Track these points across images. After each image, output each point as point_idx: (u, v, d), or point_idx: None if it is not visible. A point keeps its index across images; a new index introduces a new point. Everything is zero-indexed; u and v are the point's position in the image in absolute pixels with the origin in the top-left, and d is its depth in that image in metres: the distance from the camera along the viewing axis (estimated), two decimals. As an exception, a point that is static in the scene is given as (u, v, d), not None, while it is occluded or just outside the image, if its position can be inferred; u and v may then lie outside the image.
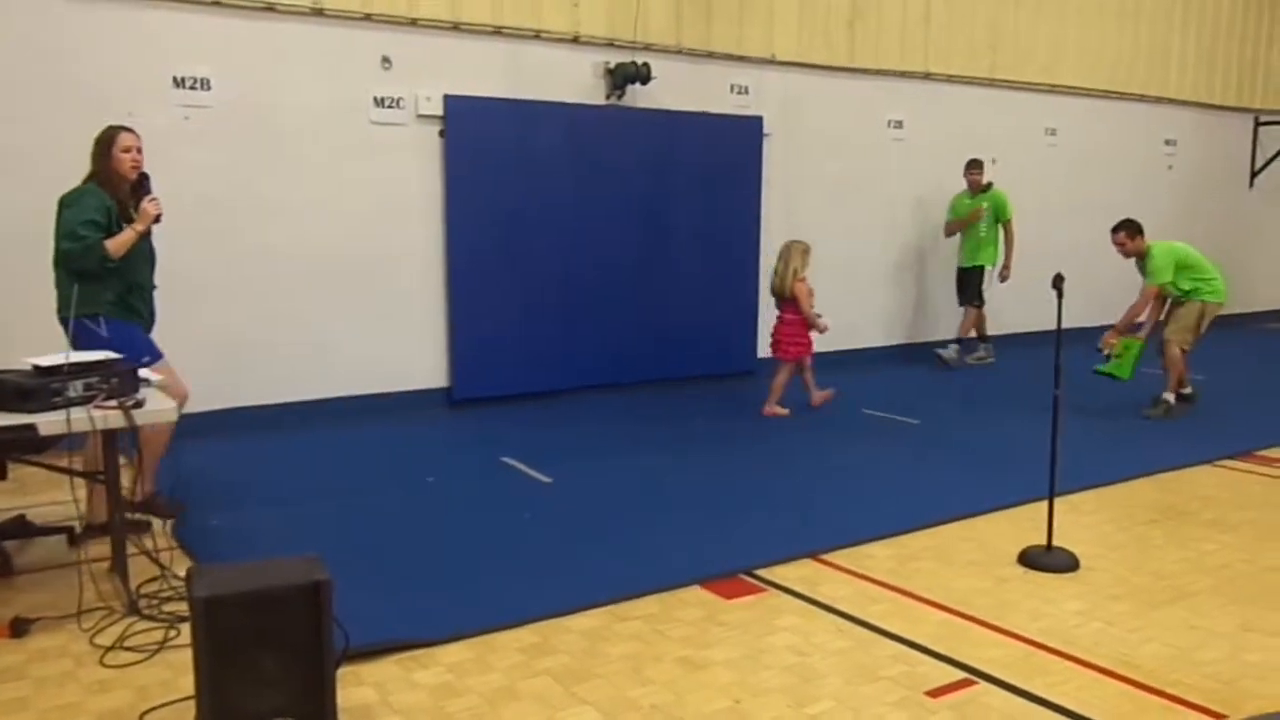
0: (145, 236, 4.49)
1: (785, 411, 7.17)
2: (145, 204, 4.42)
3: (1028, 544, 4.45)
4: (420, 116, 6.94)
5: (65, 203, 4.37)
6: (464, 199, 7.11)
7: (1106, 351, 7.16)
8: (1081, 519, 4.88)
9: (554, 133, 7.41)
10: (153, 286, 4.68)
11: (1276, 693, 3.22)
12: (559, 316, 7.57)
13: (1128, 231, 7.18)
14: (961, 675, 3.32)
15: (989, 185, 9.23)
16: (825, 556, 4.40)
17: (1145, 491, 5.52)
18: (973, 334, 9.56)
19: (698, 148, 8.10)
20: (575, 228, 7.57)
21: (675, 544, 4.53)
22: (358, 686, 3.17)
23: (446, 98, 6.96)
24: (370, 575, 4.03)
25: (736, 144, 8.34)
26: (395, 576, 4.11)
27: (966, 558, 4.44)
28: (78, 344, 4.08)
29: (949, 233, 9.46)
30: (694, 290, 8.21)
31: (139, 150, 4.50)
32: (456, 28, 7.00)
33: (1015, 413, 7.26)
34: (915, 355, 9.61)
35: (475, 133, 7.10)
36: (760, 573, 4.19)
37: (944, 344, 9.53)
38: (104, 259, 4.31)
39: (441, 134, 7.02)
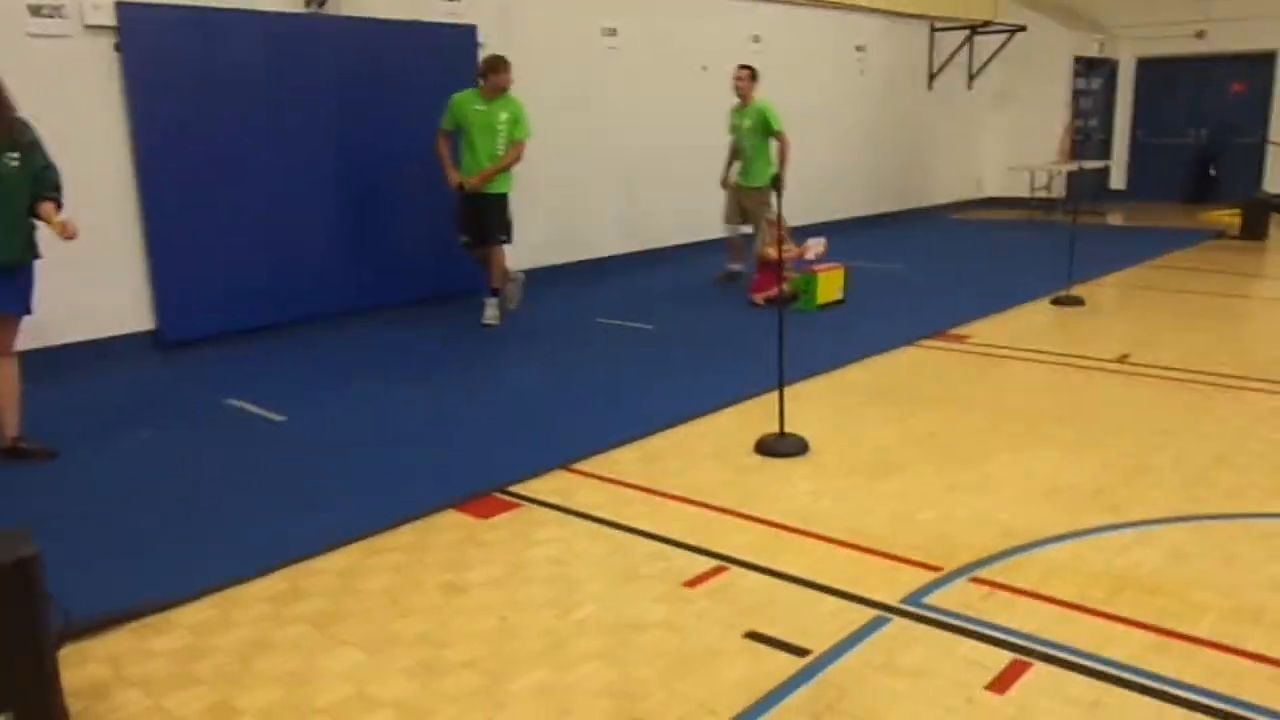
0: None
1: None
2: None
3: (761, 433, 4.71)
4: (89, 27, 6.12)
5: None
6: (152, 121, 6.38)
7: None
8: (806, 405, 5.20)
9: (250, 45, 6.78)
10: (29, 213, 4.42)
11: (981, 542, 3.63)
12: (271, 246, 7.04)
13: (752, 72, 8.60)
14: (715, 564, 3.48)
15: (505, 88, 7.15)
16: (576, 466, 4.46)
17: (858, 375, 6.00)
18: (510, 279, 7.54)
19: (409, 59, 7.70)
20: (279, 149, 7.01)
21: (424, 471, 4.42)
22: (85, 665, 2.88)
23: (119, 5, 6.18)
24: (91, 544, 3.66)
25: (450, 55, 7.99)
26: (120, 542, 3.74)
27: (708, 452, 4.65)
28: None
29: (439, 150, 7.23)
30: (410, 212, 7.85)
31: None
32: (123, -76, 6.20)
33: (736, 312, 7.65)
34: (648, 261, 9.82)
35: (158, 46, 6.36)
36: (514, 489, 4.19)
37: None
38: None
39: (118, 48, 6.24)
